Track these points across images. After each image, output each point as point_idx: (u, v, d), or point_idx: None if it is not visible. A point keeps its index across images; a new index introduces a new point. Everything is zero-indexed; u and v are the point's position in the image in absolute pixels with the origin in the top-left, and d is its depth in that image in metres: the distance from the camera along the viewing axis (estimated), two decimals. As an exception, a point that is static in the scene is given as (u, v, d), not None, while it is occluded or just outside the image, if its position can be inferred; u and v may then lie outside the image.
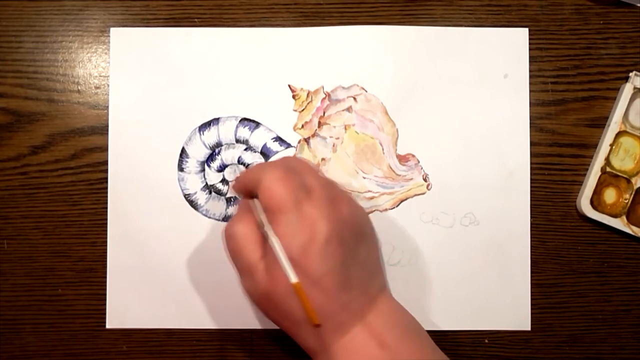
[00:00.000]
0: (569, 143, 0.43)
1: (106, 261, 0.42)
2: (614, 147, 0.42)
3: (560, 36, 0.43)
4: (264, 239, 0.34)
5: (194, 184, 0.43)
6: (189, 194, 0.43)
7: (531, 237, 0.43)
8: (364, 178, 0.43)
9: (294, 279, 0.31)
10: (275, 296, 0.33)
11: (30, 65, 0.43)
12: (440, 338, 0.42)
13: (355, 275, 0.33)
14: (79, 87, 0.43)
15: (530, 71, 0.43)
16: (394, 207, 0.43)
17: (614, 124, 0.42)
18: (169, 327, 0.43)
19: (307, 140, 0.43)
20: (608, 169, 0.42)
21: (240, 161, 0.43)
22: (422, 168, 0.43)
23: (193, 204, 0.43)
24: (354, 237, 0.34)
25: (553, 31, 0.43)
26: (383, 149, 0.43)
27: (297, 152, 0.43)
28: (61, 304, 0.43)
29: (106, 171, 0.42)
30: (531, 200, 0.43)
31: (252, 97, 0.43)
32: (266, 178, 0.33)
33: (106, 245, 0.42)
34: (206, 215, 0.43)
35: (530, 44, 0.43)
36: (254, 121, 0.43)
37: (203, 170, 0.43)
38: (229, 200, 0.43)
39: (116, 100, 0.43)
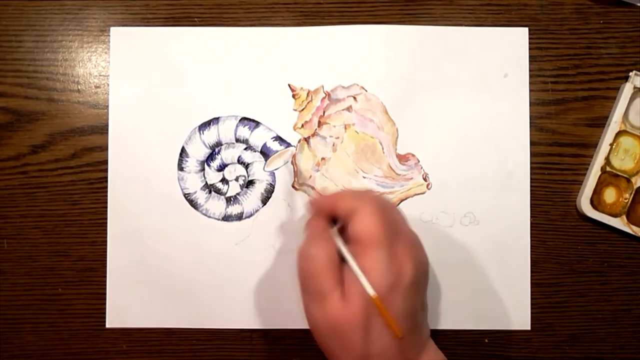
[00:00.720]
0: (569, 143, 0.43)
1: (106, 260, 0.42)
2: (614, 146, 0.42)
3: (560, 36, 0.43)
4: (340, 267, 0.33)
5: (193, 183, 0.43)
6: (189, 194, 0.43)
7: (531, 237, 0.43)
8: (364, 177, 0.43)
9: (371, 292, 0.31)
10: (344, 326, 0.32)
11: (30, 64, 0.43)
12: (440, 338, 0.43)
13: (419, 321, 0.34)
14: (79, 87, 0.43)
15: (530, 71, 0.43)
16: (394, 207, 0.43)
17: (614, 124, 0.42)
18: (168, 326, 0.43)
19: (307, 139, 0.43)
20: (608, 169, 0.42)
21: (240, 160, 0.43)
22: (422, 167, 0.43)
23: (193, 203, 0.43)
24: (425, 281, 0.34)
25: (553, 31, 0.43)
26: (383, 149, 0.43)
27: (297, 151, 0.43)
28: (61, 304, 0.43)
29: (106, 170, 0.42)
30: (531, 199, 0.43)
31: (252, 96, 0.43)
32: (364, 209, 0.33)
33: (106, 245, 0.42)
34: (206, 215, 0.43)
35: (530, 43, 0.43)
36: (253, 120, 0.43)
37: (203, 169, 0.43)
38: (228, 200, 0.43)
39: (116, 100, 0.43)
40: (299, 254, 0.34)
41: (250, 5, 0.43)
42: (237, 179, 0.43)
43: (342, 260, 0.33)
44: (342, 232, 0.34)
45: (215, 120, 0.43)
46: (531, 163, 0.43)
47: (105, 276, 0.42)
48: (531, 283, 0.43)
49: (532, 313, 0.43)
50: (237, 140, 0.43)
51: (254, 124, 0.43)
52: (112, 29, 0.43)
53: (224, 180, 0.43)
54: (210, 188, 0.43)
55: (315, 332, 0.34)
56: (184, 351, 0.43)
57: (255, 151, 0.43)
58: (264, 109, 0.43)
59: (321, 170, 0.43)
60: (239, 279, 0.42)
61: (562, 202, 0.43)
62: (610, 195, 0.43)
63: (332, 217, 0.35)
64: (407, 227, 0.35)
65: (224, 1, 0.43)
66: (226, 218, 0.43)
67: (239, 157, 0.43)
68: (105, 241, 0.42)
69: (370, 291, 0.31)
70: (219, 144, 0.43)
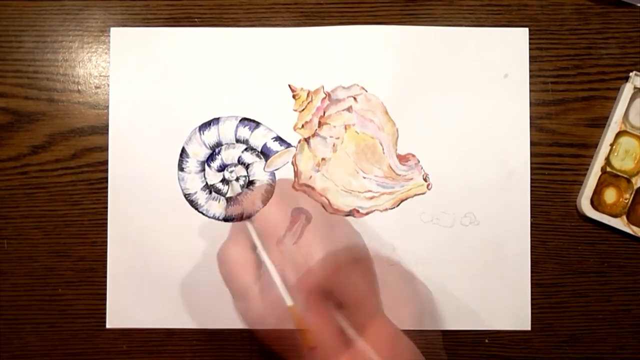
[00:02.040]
0: (569, 143, 0.43)
1: (106, 261, 0.42)
2: (614, 147, 0.42)
3: (561, 36, 0.43)
4: (258, 263, 0.34)
5: (194, 183, 0.43)
6: (189, 194, 0.43)
7: (531, 237, 0.43)
8: (364, 178, 0.43)
9: (289, 302, 0.31)
10: (269, 320, 0.32)
11: (31, 65, 0.43)
12: (440, 338, 0.43)
13: (349, 299, 0.33)
14: (79, 87, 0.43)
15: (530, 71, 0.43)
16: (394, 207, 0.43)
17: (614, 124, 0.42)
18: (169, 327, 0.43)
19: (307, 140, 0.43)
20: (608, 169, 0.42)
21: (240, 161, 0.43)
22: (422, 168, 0.43)
23: (193, 203, 0.43)
24: (348, 260, 0.34)
25: (553, 31, 0.43)
26: (383, 149, 0.43)
27: (297, 151, 0.43)
28: (61, 304, 0.43)
29: (106, 171, 0.42)
30: (531, 200, 0.43)
31: (252, 96, 0.43)
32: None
33: (106, 245, 0.42)
34: (206, 215, 0.43)
35: (530, 43, 0.43)
36: (254, 121, 0.43)
37: (203, 170, 0.43)
38: (229, 200, 0.43)
39: (116, 100, 0.43)
40: (217, 258, 0.36)
41: (250, 6, 0.43)
42: (237, 180, 0.43)
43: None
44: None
45: (216, 120, 0.43)
46: (531, 163, 0.43)
47: (105, 276, 0.42)
48: (531, 283, 0.43)
49: (532, 313, 0.43)
50: (238, 141, 0.43)
51: (254, 124, 0.43)
52: (112, 29, 0.43)
53: (224, 181, 0.43)
54: (210, 188, 0.43)
55: (249, 327, 0.35)
56: (184, 351, 0.43)
57: (255, 151, 0.43)
58: (264, 110, 0.43)
59: (321, 170, 0.43)
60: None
61: (562, 202, 0.43)
62: (610, 195, 0.43)
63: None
64: (315, 210, 0.35)
65: (224, 1, 0.43)
66: (226, 218, 0.43)
67: (239, 157, 0.43)
68: (106, 241, 0.42)
69: (278, 283, 0.32)
70: (219, 144, 0.43)
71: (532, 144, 0.43)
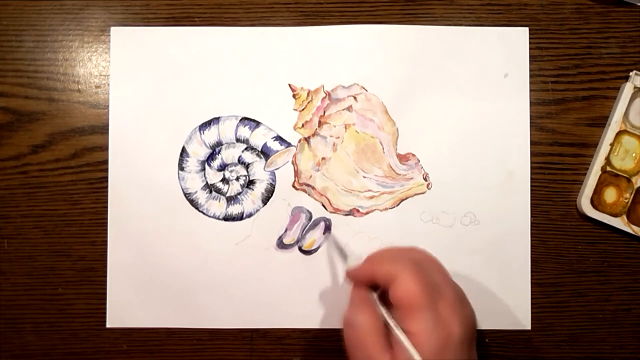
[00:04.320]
0: (570, 142, 0.43)
1: (106, 260, 0.42)
2: (614, 146, 0.42)
3: (561, 35, 0.43)
4: (386, 333, 0.33)
5: (194, 183, 0.43)
6: (190, 193, 0.43)
7: (531, 237, 0.43)
8: (364, 177, 0.43)
9: (418, 358, 0.30)
10: None
11: (31, 64, 0.43)
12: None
13: None
14: (80, 86, 0.43)
15: (530, 70, 0.43)
16: (394, 207, 0.43)
17: (615, 124, 0.42)
18: (169, 326, 0.43)
19: (307, 139, 0.43)
20: (608, 169, 0.42)
21: (240, 160, 0.43)
22: (422, 167, 0.43)
23: (193, 203, 0.43)
24: (474, 336, 0.34)
25: (553, 30, 0.43)
26: (383, 148, 0.43)
27: (297, 151, 0.43)
28: (61, 303, 0.43)
29: (106, 170, 0.42)
30: (531, 199, 0.43)
31: (253, 96, 0.43)
32: (402, 274, 0.32)
33: (106, 245, 0.42)
34: (206, 215, 0.43)
35: (530, 43, 0.43)
36: (254, 120, 0.43)
37: (203, 169, 0.43)
38: (229, 200, 0.43)
39: (116, 100, 0.43)
40: (344, 323, 0.34)
41: (250, 5, 0.43)
42: (237, 179, 0.43)
43: (388, 327, 0.33)
44: (385, 297, 0.34)
45: (216, 120, 0.43)
46: (531, 163, 0.43)
47: (105, 276, 0.42)
48: (531, 283, 0.43)
49: (532, 313, 0.43)
50: (238, 140, 0.43)
51: (254, 123, 0.43)
52: (112, 28, 0.43)
53: (224, 180, 0.43)
54: (210, 188, 0.43)
55: None
56: (184, 351, 0.43)
57: (255, 151, 0.43)
58: (264, 109, 0.43)
59: (321, 170, 0.43)
60: (239, 279, 0.42)
61: (562, 202, 0.43)
62: (610, 195, 0.43)
63: (373, 284, 0.35)
64: (449, 284, 0.34)
65: (224, 1, 0.43)
66: (227, 218, 0.43)
67: (240, 157, 0.43)
68: (106, 241, 0.42)
69: (417, 357, 0.30)
70: (219, 143, 0.43)
71: (532, 143, 0.43)
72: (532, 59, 0.43)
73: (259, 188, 0.43)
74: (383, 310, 0.33)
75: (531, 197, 0.43)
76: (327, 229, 0.43)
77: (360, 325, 0.33)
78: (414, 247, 0.37)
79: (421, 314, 0.31)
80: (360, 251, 0.42)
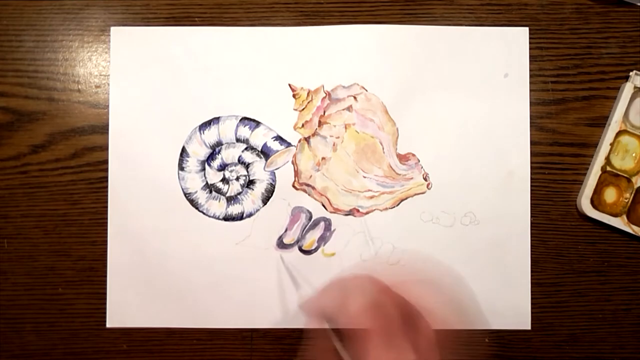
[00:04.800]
0: (570, 142, 0.43)
1: (106, 260, 0.42)
2: (614, 146, 0.42)
3: (561, 35, 0.43)
4: None
5: (194, 183, 0.43)
6: (190, 193, 0.43)
7: (531, 237, 0.43)
8: (364, 177, 0.43)
9: None
10: None
11: (31, 64, 0.43)
12: (441, 338, 0.42)
13: None
14: (80, 86, 0.43)
15: (530, 70, 0.43)
16: (394, 206, 0.43)
17: (615, 123, 0.42)
18: (169, 326, 0.43)
19: (307, 139, 0.43)
20: (608, 168, 0.42)
21: (240, 160, 0.43)
22: (422, 167, 0.43)
23: (193, 203, 0.43)
24: (433, 351, 0.33)
25: (553, 30, 0.43)
26: (383, 148, 0.43)
27: (297, 151, 0.43)
28: (61, 303, 0.43)
29: (106, 170, 0.42)
30: (531, 199, 0.43)
31: (253, 96, 0.43)
32: (350, 304, 0.32)
33: (106, 244, 0.42)
34: (206, 215, 0.43)
35: (530, 43, 0.43)
36: (254, 120, 0.43)
37: (203, 169, 0.43)
38: (229, 200, 0.43)
39: (116, 99, 0.43)
40: None
41: (250, 5, 0.43)
42: (237, 179, 0.43)
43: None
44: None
45: (216, 120, 0.43)
46: (531, 163, 0.43)
47: (105, 276, 0.42)
48: (531, 283, 0.43)
49: (532, 313, 0.43)
50: (238, 140, 0.43)
51: (254, 123, 0.43)
52: (112, 28, 0.43)
53: (224, 180, 0.43)
54: (210, 188, 0.43)
55: None
56: (184, 351, 0.43)
57: (255, 151, 0.43)
58: (264, 109, 0.43)
59: (321, 169, 0.43)
60: (239, 279, 0.42)
61: (562, 201, 0.43)
62: (610, 195, 0.43)
63: (328, 316, 0.35)
64: (398, 305, 0.34)
65: (224, 1, 0.43)
66: (227, 218, 0.43)
67: (240, 156, 0.43)
68: (106, 241, 0.42)
69: None
70: (219, 143, 0.43)
71: (532, 143, 0.43)
72: (532, 59, 0.43)
73: (259, 188, 0.43)
74: (336, 342, 0.33)
75: (531, 197, 0.43)
76: (327, 229, 0.43)
77: None
78: (358, 276, 0.38)
79: (372, 343, 0.31)
80: (360, 251, 0.43)
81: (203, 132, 0.43)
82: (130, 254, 0.42)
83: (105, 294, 0.42)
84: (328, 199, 0.43)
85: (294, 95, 0.43)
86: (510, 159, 0.43)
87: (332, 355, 0.33)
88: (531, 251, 0.43)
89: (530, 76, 0.43)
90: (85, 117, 0.43)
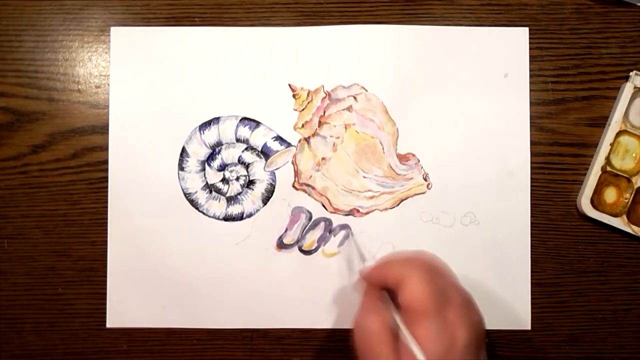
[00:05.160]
0: (570, 142, 0.43)
1: (106, 260, 0.42)
2: (614, 146, 0.42)
3: (561, 35, 0.43)
4: (395, 336, 0.33)
5: (194, 183, 0.43)
6: (190, 193, 0.43)
7: (531, 237, 0.43)
8: (364, 177, 0.43)
9: None
10: None
11: (31, 64, 0.43)
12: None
13: None
14: (80, 87, 0.43)
15: (530, 70, 0.43)
16: (394, 207, 0.43)
17: (615, 124, 0.42)
18: (169, 326, 0.43)
19: (307, 139, 0.43)
20: (608, 169, 0.42)
21: (240, 160, 0.43)
22: (422, 167, 0.43)
23: (193, 203, 0.43)
24: (481, 342, 0.34)
25: (553, 30, 0.43)
26: (383, 148, 0.43)
27: (297, 151, 0.43)
28: (61, 303, 0.43)
29: (106, 170, 0.42)
30: (531, 199, 0.43)
31: (253, 96, 0.43)
32: (411, 278, 0.33)
33: (106, 245, 0.42)
34: (206, 215, 0.43)
35: (530, 43, 0.43)
36: (254, 120, 0.43)
37: (203, 169, 0.43)
38: (229, 200, 0.43)
39: (116, 100, 0.43)
40: (354, 325, 0.35)
41: (250, 5, 0.43)
42: (237, 179, 0.43)
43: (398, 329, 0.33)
44: (395, 300, 0.35)
45: (216, 120, 0.43)
46: (531, 163, 0.43)
47: (105, 276, 0.42)
48: (531, 283, 0.43)
49: (532, 313, 0.43)
50: (238, 140, 0.43)
51: (254, 123, 0.43)
52: (112, 28, 0.43)
53: (224, 180, 0.43)
54: (210, 188, 0.43)
55: None
56: (184, 351, 0.43)
57: (255, 151, 0.43)
58: (264, 109, 0.43)
59: (321, 170, 0.43)
60: (239, 279, 0.42)
61: (562, 202, 0.43)
62: (610, 195, 0.43)
63: (384, 286, 0.35)
64: (458, 289, 0.35)
65: (224, 1, 0.43)
66: (227, 218, 0.43)
67: (240, 157, 0.43)
68: (106, 241, 0.42)
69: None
70: (219, 143, 0.43)
71: (532, 143, 0.43)
72: (532, 59, 0.43)
73: (259, 188, 0.43)
74: (393, 312, 0.34)
75: (531, 197, 0.43)
76: (327, 229, 0.43)
77: (370, 327, 0.33)
78: (424, 251, 0.38)
79: (427, 319, 0.32)
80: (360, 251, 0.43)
81: (203, 132, 0.43)
82: (130, 253, 0.42)
83: (105, 294, 0.42)
84: (328, 199, 0.43)
85: (294, 96, 0.43)
86: (510, 159, 0.43)
87: (387, 325, 0.33)
88: (531, 251, 0.43)
89: (530, 76, 0.43)
90: (85, 117, 0.43)
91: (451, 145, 0.43)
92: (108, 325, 0.42)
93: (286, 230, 0.43)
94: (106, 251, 0.42)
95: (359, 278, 0.37)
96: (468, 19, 0.43)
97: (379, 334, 0.33)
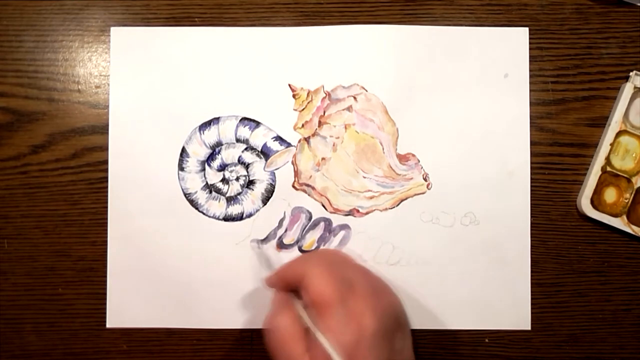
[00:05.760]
0: (570, 142, 0.43)
1: (106, 260, 0.42)
2: (614, 146, 0.42)
3: (561, 35, 0.43)
4: (306, 333, 0.33)
5: (194, 183, 0.43)
6: (190, 193, 0.43)
7: (531, 237, 0.43)
8: (364, 177, 0.43)
9: (335, 356, 0.31)
10: None
11: (31, 64, 0.43)
12: (441, 338, 0.43)
13: None
14: (80, 87, 0.43)
15: (530, 70, 0.43)
16: (394, 207, 0.43)
17: (615, 124, 0.42)
18: (169, 326, 0.43)
19: (307, 139, 0.43)
20: (608, 169, 0.42)
21: (240, 160, 0.43)
22: (422, 167, 0.43)
23: (193, 203, 0.43)
24: (394, 326, 0.34)
25: (553, 30, 0.43)
26: (383, 149, 0.43)
27: (297, 151, 0.43)
28: (61, 303, 0.43)
29: (106, 170, 0.42)
30: (531, 199, 0.43)
31: (252, 96, 0.43)
32: (310, 274, 0.34)
33: (106, 245, 0.42)
34: (206, 215, 0.43)
35: (530, 43, 0.43)
36: (254, 120, 0.43)
37: (203, 169, 0.43)
38: (229, 200, 0.43)
39: (116, 100, 0.43)
40: (265, 325, 0.35)
41: (250, 5, 0.43)
42: (237, 179, 0.43)
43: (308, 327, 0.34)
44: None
45: (216, 120, 0.43)
46: (531, 163, 0.43)
47: (105, 276, 0.42)
48: (531, 283, 0.43)
49: (532, 313, 0.43)
50: (238, 140, 0.43)
51: (254, 124, 0.43)
52: (112, 28, 0.43)
53: (224, 180, 0.43)
54: (210, 188, 0.43)
55: None
56: (184, 351, 0.43)
57: (255, 151, 0.43)
58: (264, 109, 0.43)
59: (321, 170, 0.43)
60: (239, 279, 0.42)
61: (562, 202, 0.43)
62: (610, 195, 0.43)
63: (289, 288, 0.36)
64: (362, 277, 0.35)
65: (224, 1, 0.43)
66: (227, 218, 0.43)
67: (240, 157, 0.43)
68: (106, 241, 0.42)
69: (334, 355, 0.31)
70: (219, 144, 0.43)
71: (532, 143, 0.43)
72: (532, 59, 0.43)
73: (259, 188, 0.43)
74: (300, 310, 0.34)
75: (531, 197, 0.43)
76: (327, 229, 0.43)
77: (280, 327, 0.34)
78: (324, 249, 0.39)
79: (332, 310, 0.32)
80: (360, 251, 0.43)
81: (203, 132, 0.43)
82: (130, 254, 0.42)
83: (105, 294, 0.42)
84: (328, 199, 0.43)
85: (294, 96, 0.43)
86: (510, 159, 0.43)
87: (297, 324, 0.34)
88: (531, 251, 0.43)
89: (530, 76, 0.43)
90: (85, 117, 0.43)
91: (451, 145, 0.43)
92: (108, 326, 0.42)
93: (286, 231, 0.43)
94: (106, 251, 0.42)
95: (264, 284, 0.39)
96: (468, 19, 0.43)
97: (289, 332, 0.33)
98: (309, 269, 0.34)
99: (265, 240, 0.43)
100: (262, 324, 0.36)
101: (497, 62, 0.43)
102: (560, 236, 0.43)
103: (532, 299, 0.43)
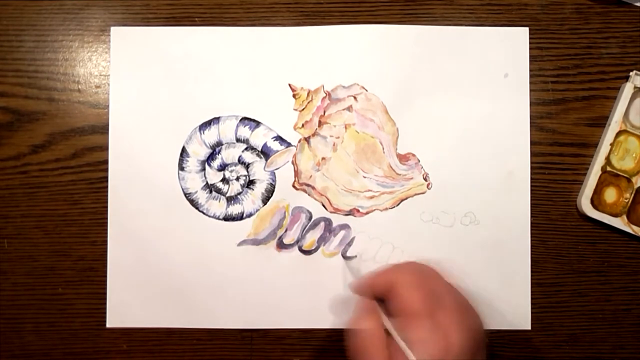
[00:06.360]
0: (570, 142, 0.43)
1: (106, 260, 0.42)
2: (614, 146, 0.42)
3: (561, 35, 0.43)
4: (389, 342, 0.33)
5: (194, 183, 0.43)
6: (190, 193, 0.43)
7: (531, 237, 0.43)
8: (364, 177, 0.43)
9: None
10: None
11: (31, 64, 0.43)
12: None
13: None
14: (80, 86, 0.43)
15: (530, 70, 0.43)
16: (394, 207, 0.43)
17: (615, 123, 0.42)
18: (169, 326, 0.43)
19: (307, 139, 0.43)
20: (608, 168, 0.42)
21: (240, 160, 0.43)
22: (422, 167, 0.43)
23: (193, 203, 0.43)
24: (478, 346, 0.33)
25: (553, 30, 0.43)
26: (383, 148, 0.43)
27: (297, 151, 0.43)
28: (62, 303, 0.43)
29: (106, 170, 0.42)
30: (531, 199, 0.43)
31: (253, 96, 0.43)
32: (401, 282, 0.33)
33: (106, 245, 0.42)
34: (206, 214, 0.43)
35: (530, 43, 0.43)
36: (254, 120, 0.43)
37: (204, 169, 0.43)
38: (229, 200, 0.43)
39: (117, 99, 0.43)
40: (348, 331, 0.34)
41: (250, 5, 0.43)
42: (237, 179, 0.43)
43: (389, 335, 0.33)
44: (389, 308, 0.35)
45: (216, 120, 0.43)
46: (531, 163, 0.43)
47: (105, 276, 0.42)
48: (531, 283, 0.43)
49: (532, 313, 0.43)
50: (238, 140, 0.43)
51: (254, 123, 0.43)
52: (112, 28, 0.43)
53: (224, 180, 0.43)
54: (210, 188, 0.43)
55: None
56: (184, 351, 0.43)
57: (255, 151, 0.43)
58: (264, 109, 0.43)
59: (322, 169, 0.43)
60: (239, 279, 0.42)
61: (562, 202, 0.43)
62: (610, 195, 0.43)
63: (375, 296, 0.35)
64: (451, 293, 0.34)
65: (224, 1, 0.43)
66: (227, 218, 0.43)
67: (240, 157, 0.43)
68: (106, 241, 0.42)
69: None
70: (219, 143, 0.43)
71: (532, 143, 0.43)
72: (532, 59, 0.43)
73: (259, 188, 0.43)
74: (385, 318, 0.34)
75: (531, 197, 0.43)
76: (327, 229, 0.43)
77: (365, 332, 0.33)
78: (414, 260, 0.38)
79: (419, 322, 0.32)
80: (360, 251, 0.43)
81: (203, 132, 0.43)
82: (130, 253, 0.42)
83: (105, 294, 0.42)
84: (328, 199, 0.43)
85: (294, 95, 0.43)
86: (510, 159, 0.43)
87: (381, 331, 0.33)
88: (531, 251, 0.43)
89: (530, 76, 0.43)
90: (85, 117, 0.43)
91: (451, 145, 0.43)
92: (108, 325, 0.42)
93: (286, 230, 0.43)
94: (106, 251, 0.42)
95: (350, 290, 0.37)
96: (468, 19, 0.43)
97: (372, 339, 0.33)
98: (400, 277, 0.34)
99: (265, 240, 0.43)
100: (345, 325, 0.35)
101: (497, 62, 0.43)
102: (560, 236, 0.43)
103: (532, 299, 0.43)
